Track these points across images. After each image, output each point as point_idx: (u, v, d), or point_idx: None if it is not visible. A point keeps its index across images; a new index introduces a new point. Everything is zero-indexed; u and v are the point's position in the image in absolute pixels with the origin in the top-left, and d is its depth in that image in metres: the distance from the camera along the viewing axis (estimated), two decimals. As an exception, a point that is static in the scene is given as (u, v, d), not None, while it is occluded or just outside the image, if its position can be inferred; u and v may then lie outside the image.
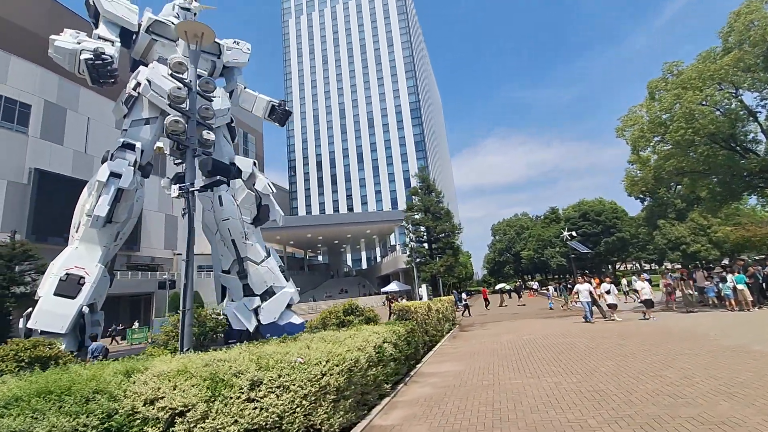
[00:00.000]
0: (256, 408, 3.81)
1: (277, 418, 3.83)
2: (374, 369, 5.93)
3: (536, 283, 38.50)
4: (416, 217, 34.18)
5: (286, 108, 21.39)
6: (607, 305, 15.50)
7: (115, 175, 15.82)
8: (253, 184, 21.23)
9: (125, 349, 23.89)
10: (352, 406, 4.99)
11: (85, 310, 14.87)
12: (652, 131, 15.54)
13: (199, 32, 9.69)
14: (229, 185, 19.57)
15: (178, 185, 8.18)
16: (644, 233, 36.94)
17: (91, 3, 18.22)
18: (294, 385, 4.12)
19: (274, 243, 67.47)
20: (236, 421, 3.62)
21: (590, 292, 15.83)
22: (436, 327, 13.16)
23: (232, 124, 21.43)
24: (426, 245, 34.32)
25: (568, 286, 25.88)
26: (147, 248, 51.51)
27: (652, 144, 15.92)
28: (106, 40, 17.70)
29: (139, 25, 18.55)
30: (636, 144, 16.53)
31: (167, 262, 54.04)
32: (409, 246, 27.37)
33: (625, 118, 16.91)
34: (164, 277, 40.03)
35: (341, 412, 4.66)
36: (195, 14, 21.25)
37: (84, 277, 15.41)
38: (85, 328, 15.21)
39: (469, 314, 24.30)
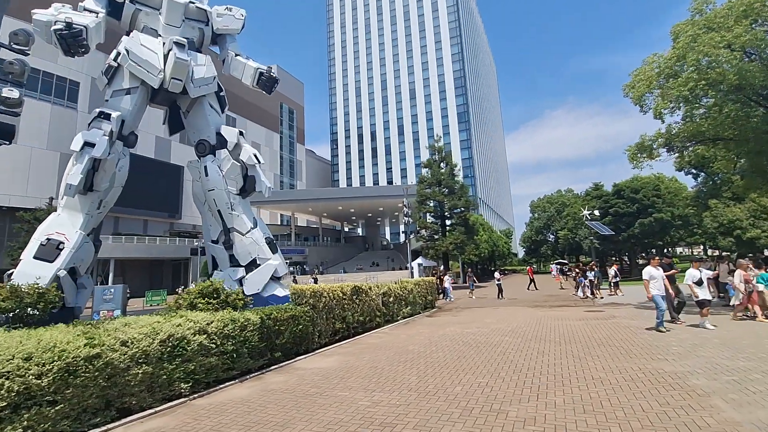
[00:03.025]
0: None
1: None
2: (147, 367, 5.18)
3: (555, 266, 35.18)
4: (427, 191, 32.37)
5: (272, 75, 20.50)
6: (697, 302, 9.73)
7: (89, 145, 15.97)
8: (239, 155, 20.87)
9: (139, 310, 25.54)
10: (63, 413, 4.29)
11: (61, 273, 15.52)
12: (661, 86, 12.54)
13: None
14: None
15: None
16: (692, 214, 31.83)
17: (79, -27, 18.27)
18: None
19: (306, 214, 68.86)
20: None
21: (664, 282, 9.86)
22: (376, 312, 12.10)
23: (221, 93, 20.92)
24: (438, 221, 32.60)
25: (576, 271, 23.04)
26: (189, 216, 54.63)
27: (664, 102, 12.72)
28: (91, 11, 17.67)
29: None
30: (641, 103, 13.49)
31: (207, 230, 57.08)
32: (405, 221, 25.81)
33: (636, 72, 13.75)
34: (196, 244, 42.21)
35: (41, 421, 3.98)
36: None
37: (63, 243, 15.98)
38: (65, 291, 15.90)
39: (502, 296, 21.89)
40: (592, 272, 19.66)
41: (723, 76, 11.13)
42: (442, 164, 33.03)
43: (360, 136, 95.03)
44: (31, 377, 4.14)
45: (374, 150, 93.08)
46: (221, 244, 19.48)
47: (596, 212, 25.28)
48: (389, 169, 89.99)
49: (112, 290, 14.00)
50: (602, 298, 18.76)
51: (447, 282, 22.58)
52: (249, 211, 20.16)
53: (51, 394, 4.28)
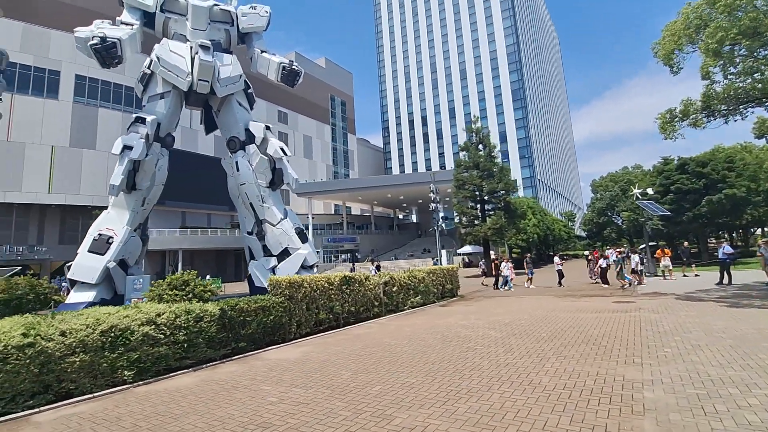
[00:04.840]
0: None
1: None
2: (85, 355, 5.57)
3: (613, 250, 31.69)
4: (464, 174, 30.94)
5: (293, 68, 20.78)
6: None
7: (128, 148, 17.34)
8: (266, 149, 21.51)
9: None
10: (3, 395, 4.79)
11: (111, 264, 17.31)
12: (690, 38, 10.32)
13: None
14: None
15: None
16: (779, 189, 26.82)
17: (116, -10, 19.75)
18: None
19: (358, 203, 69.90)
20: None
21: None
22: (374, 302, 11.90)
23: (249, 90, 21.64)
24: (478, 205, 31.10)
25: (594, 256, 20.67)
26: (248, 209, 58.19)
27: (712, 59, 10.46)
28: (126, 24, 19.06)
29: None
30: (671, 63, 11.28)
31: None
32: (433, 208, 24.87)
33: (667, 26, 11.47)
34: (251, 235, 44.94)
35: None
36: (208, -16, 21.44)
37: (112, 237, 17.72)
38: (115, 280, 17.72)
39: (561, 284, 20.12)
40: (636, 256, 17.61)
41: (758, 22, 8.98)
42: (480, 146, 31.45)
43: (411, 122, 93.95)
44: (-40, 364, 4.67)
45: (425, 135, 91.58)
46: (255, 235, 20.45)
47: (649, 190, 22.37)
48: (441, 154, 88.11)
49: (141, 279, 15.36)
50: (645, 284, 16.83)
51: (506, 269, 20.57)
52: (279, 202, 20.83)
53: (-19, 379, 4.80)
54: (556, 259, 22.20)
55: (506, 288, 20.16)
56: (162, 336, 6.54)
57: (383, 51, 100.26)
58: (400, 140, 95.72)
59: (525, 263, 22.17)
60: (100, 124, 45.96)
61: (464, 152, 32.05)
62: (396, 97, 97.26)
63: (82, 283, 16.40)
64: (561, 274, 20.65)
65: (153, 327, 6.45)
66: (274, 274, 19.22)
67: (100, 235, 17.24)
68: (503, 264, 20.84)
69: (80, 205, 43.37)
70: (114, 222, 17.80)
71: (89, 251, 16.86)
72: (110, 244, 17.33)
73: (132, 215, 18.38)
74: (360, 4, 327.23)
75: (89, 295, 15.58)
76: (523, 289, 19.93)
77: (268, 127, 21.37)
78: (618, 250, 20.38)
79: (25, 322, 5.53)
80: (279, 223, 19.83)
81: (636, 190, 22.09)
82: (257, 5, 22.20)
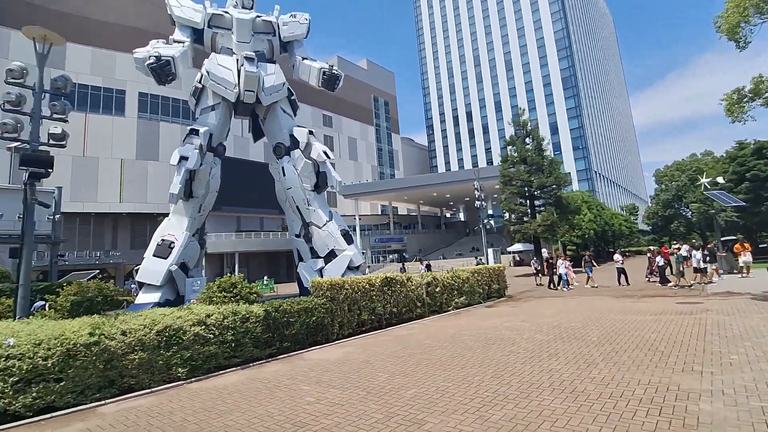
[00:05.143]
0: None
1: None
2: (143, 353, 6.09)
3: (684, 246, 28.63)
4: (511, 170, 29.71)
5: (333, 72, 21.19)
6: None
7: (184, 158, 18.55)
8: (309, 153, 22.06)
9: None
10: (67, 389, 5.39)
11: (173, 267, 18.62)
12: (758, 8, 8.98)
13: (41, 35, 10.59)
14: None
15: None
16: None
17: (168, 12, 21.21)
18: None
19: (404, 203, 69.83)
20: None
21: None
22: (416, 302, 11.85)
23: (292, 97, 22.31)
24: (527, 201, 29.74)
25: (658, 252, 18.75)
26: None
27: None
28: (178, 42, 20.38)
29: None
30: (737, 38, 9.93)
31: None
32: (478, 205, 23.95)
33: None
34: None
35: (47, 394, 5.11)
36: (253, -1, 22.38)
37: (174, 242, 19.06)
38: (177, 282, 19.04)
39: (627, 283, 18.79)
40: (698, 253, 15.98)
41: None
42: (527, 140, 30.14)
43: (455, 118, 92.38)
44: (38, 359, 5.27)
45: (471, 131, 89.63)
46: (302, 237, 21.10)
47: (719, 179, 20.16)
48: (488, 150, 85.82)
49: (199, 281, 16.31)
50: (712, 283, 15.29)
51: (563, 267, 19.29)
52: (324, 205, 21.33)
53: (56, 373, 5.39)
54: (617, 256, 20.65)
55: (563, 288, 19.10)
56: (211, 336, 6.97)
57: (425, 48, 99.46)
58: (445, 137, 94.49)
59: (583, 261, 20.77)
60: (162, 137, 49.78)
61: (511, 146, 30.91)
62: (439, 94, 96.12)
63: (149, 285, 17.71)
64: (621, 272, 19.32)
65: (203, 327, 6.89)
66: (322, 275, 19.71)
67: (162, 240, 18.55)
68: (560, 262, 19.73)
69: (147, 212, 47.22)
70: (174, 228, 19.05)
71: (154, 255, 18.19)
72: (172, 248, 18.58)
73: (190, 221, 19.56)
74: (400, 4, 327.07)
75: (155, 296, 16.84)
76: (581, 289, 18.85)
77: (311, 132, 21.89)
78: (675, 247, 18.61)
79: (92, 322, 6.12)
80: (325, 225, 20.26)
81: (704, 180, 20.10)
82: (297, 13, 22.80)
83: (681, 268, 16.44)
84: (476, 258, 35.67)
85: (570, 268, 19.83)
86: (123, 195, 46.56)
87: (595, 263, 21.22)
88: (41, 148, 10.15)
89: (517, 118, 31.31)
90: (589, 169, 73.92)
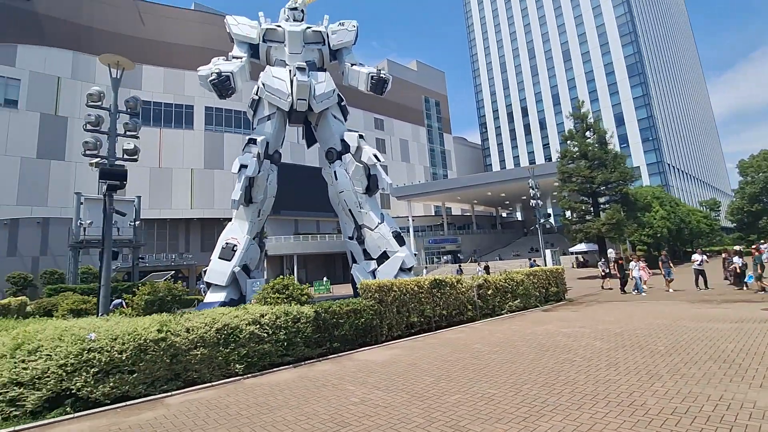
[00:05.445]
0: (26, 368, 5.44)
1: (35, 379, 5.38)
2: (204, 350, 6.55)
3: (765, 245, 24.74)
4: (570, 166, 27.88)
5: (381, 76, 21.43)
6: None
7: (244, 166, 19.74)
8: (360, 157, 22.46)
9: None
10: (139, 380, 5.99)
11: (236, 269, 19.81)
12: None
13: (115, 61, 11.51)
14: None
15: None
16: None
17: (227, 31, 22.70)
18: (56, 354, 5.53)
19: (457, 203, 68.62)
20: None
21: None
22: (466, 305, 11.60)
23: (342, 103, 22.90)
24: (589, 199, 27.73)
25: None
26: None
27: None
28: (236, 57, 21.74)
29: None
30: None
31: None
32: (533, 204, 22.52)
33: None
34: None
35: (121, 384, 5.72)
36: (303, 11, 23.38)
37: (236, 245, 20.31)
38: (240, 282, 20.22)
39: (706, 286, 17.15)
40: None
41: None
42: (587, 133, 28.24)
43: (510, 114, 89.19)
44: (115, 352, 5.90)
45: (527, 127, 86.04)
46: (355, 239, 21.58)
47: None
48: (546, 145, 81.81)
49: (258, 282, 17.20)
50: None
51: (636, 270, 17.72)
52: (376, 207, 21.65)
53: (129, 366, 6.00)
54: (695, 256, 18.47)
55: (636, 292, 17.35)
56: (265, 335, 7.36)
57: (475, 44, 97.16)
58: (498, 135, 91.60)
59: (660, 262, 18.83)
60: (226, 147, 53.47)
61: (570, 141, 29.17)
62: (492, 90, 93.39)
63: (215, 285, 19.02)
64: (699, 274, 17.40)
65: (258, 326, 7.30)
66: (375, 277, 19.96)
67: (227, 243, 19.83)
68: (632, 263, 18.04)
69: (214, 217, 50.97)
70: (237, 232, 20.29)
71: (219, 258, 19.52)
72: (235, 251, 19.81)
73: (250, 225, 20.71)
74: (448, 2, 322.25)
75: (221, 296, 18.04)
76: (658, 293, 17.21)
77: (361, 136, 22.29)
78: (753, 246, 16.38)
79: (160, 319, 6.74)
80: (377, 227, 20.50)
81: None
82: (345, 21, 23.36)
83: (760, 270, 14.56)
84: (530, 260, 34.07)
85: (646, 269, 18.03)
86: (193, 202, 50.73)
87: (672, 265, 19.27)
88: (117, 162, 11.39)
89: (576, 111, 29.49)
90: (661, 161, 67.80)
